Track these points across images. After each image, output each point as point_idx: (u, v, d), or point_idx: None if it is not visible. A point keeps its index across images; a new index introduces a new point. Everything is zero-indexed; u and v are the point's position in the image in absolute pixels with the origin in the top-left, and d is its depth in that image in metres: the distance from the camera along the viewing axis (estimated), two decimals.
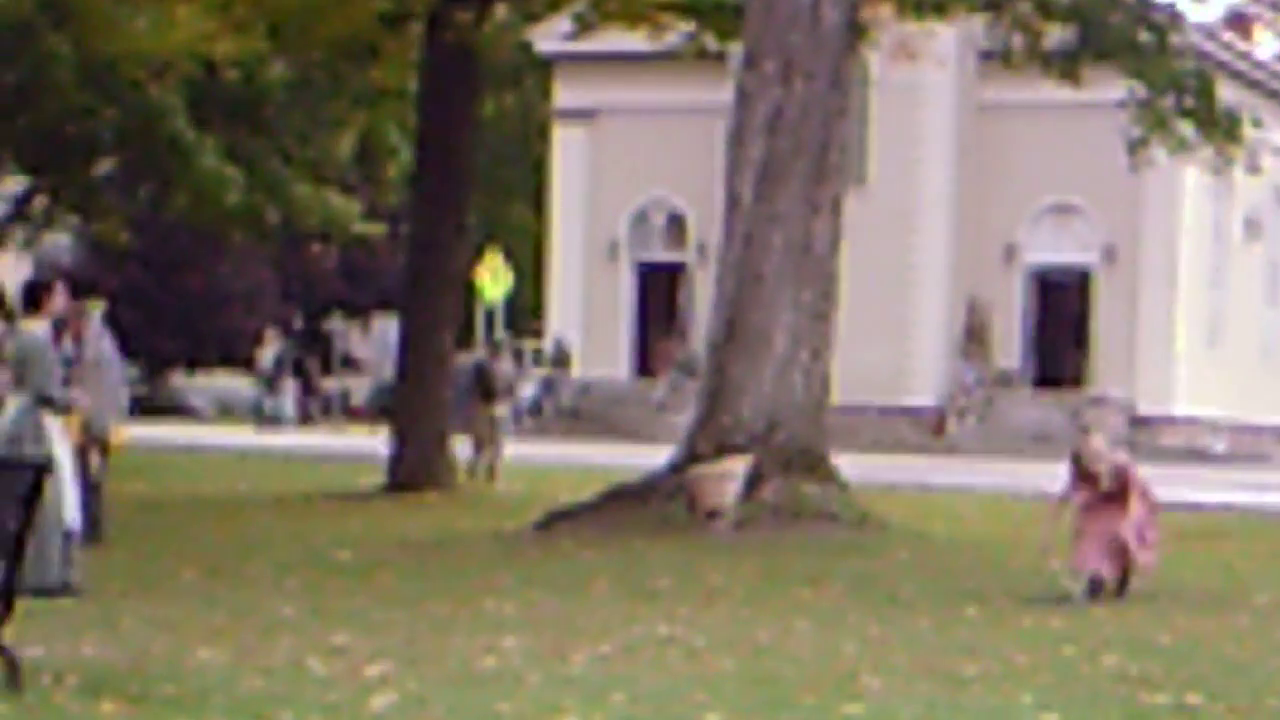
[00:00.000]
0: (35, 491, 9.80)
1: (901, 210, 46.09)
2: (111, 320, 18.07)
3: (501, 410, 28.46)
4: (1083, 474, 14.66)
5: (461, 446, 26.81)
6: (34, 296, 13.48)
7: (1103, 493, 14.61)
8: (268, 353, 48.15)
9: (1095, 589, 14.51)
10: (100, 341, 17.23)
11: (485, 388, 28.00)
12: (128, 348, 19.43)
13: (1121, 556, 14.55)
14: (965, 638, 12.48)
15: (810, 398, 19.51)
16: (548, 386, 48.17)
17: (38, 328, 13.45)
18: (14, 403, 13.21)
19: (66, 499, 12.45)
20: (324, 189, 28.98)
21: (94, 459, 16.71)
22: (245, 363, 49.99)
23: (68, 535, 12.77)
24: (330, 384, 53.67)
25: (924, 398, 46.36)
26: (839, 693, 10.05)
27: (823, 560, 16.86)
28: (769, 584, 15.25)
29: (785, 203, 19.58)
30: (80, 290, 17.17)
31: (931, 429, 45.51)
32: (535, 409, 46.93)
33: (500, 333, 37.24)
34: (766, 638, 12.27)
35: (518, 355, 30.17)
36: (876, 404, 44.36)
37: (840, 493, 19.52)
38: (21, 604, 9.95)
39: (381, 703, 9.45)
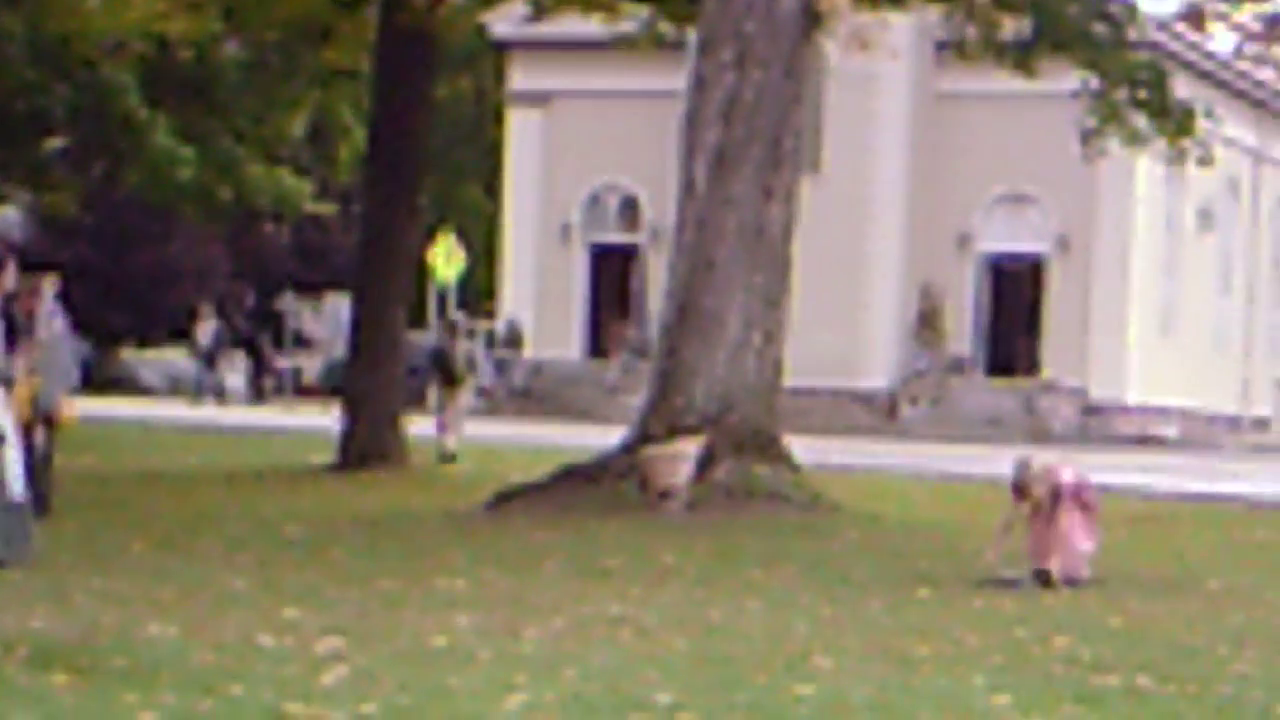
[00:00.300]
0: None
1: (856, 198, 46.15)
2: (63, 296, 17.96)
3: (465, 393, 28.14)
4: (1024, 491, 14.87)
5: (419, 427, 26.70)
6: None
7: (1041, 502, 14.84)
8: (205, 329, 47.95)
9: (1043, 579, 14.59)
10: (53, 319, 17.13)
11: (445, 370, 27.76)
12: (78, 323, 19.33)
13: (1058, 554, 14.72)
14: (917, 619, 12.44)
15: (763, 380, 19.51)
16: (499, 367, 48.09)
17: None
18: None
19: (12, 470, 12.35)
20: (276, 169, 28.80)
21: (40, 434, 16.61)
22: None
23: (15, 506, 12.67)
24: (282, 362, 53.48)
25: (877, 381, 46.44)
26: (791, 673, 10.00)
27: (775, 541, 16.81)
28: (721, 564, 15.21)
29: (739, 188, 19.57)
30: (30, 266, 17.06)
31: (884, 412, 45.60)
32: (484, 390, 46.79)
33: (454, 312, 37.04)
34: (718, 617, 12.21)
35: (470, 335, 29.95)
36: (829, 387, 44.45)
37: (792, 474, 19.51)
38: None
39: (332, 678, 9.38)
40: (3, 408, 13.24)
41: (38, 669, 9.26)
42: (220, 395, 47.29)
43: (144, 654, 9.89)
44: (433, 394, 28.18)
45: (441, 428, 27.40)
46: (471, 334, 29.39)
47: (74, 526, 16.44)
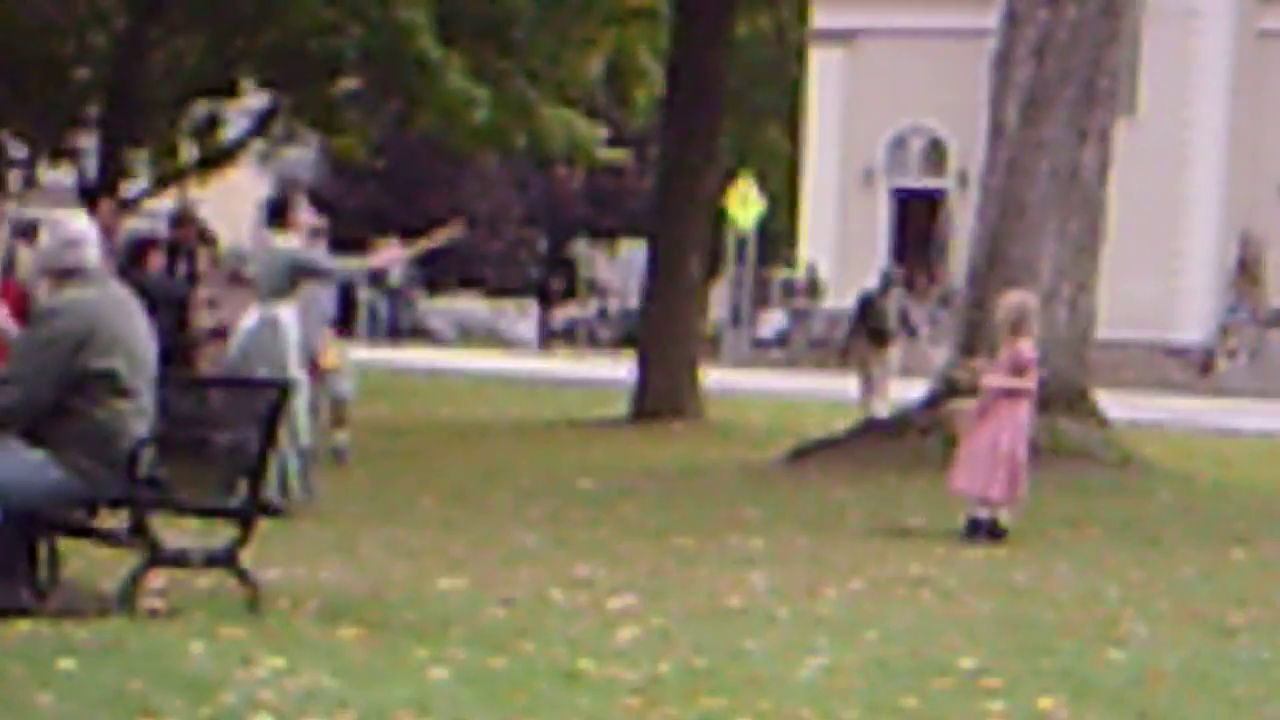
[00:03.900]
0: (277, 411, 9.58)
1: (1173, 140, 45.05)
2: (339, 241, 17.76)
3: (892, 353, 26.28)
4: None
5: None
6: (279, 212, 13.44)
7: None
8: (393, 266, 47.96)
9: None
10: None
11: (874, 327, 26.13)
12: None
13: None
14: (1232, 584, 12.06)
15: (1073, 332, 19.01)
16: (798, 317, 47.73)
17: (287, 243, 13.42)
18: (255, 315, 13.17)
19: (301, 418, 12.38)
20: (569, 113, 28.64)
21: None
22: (488, 287, 50.03)
23: (304, 453, 12.68)
24: (573, 310, 53.51)
25: (1192, 335, 45.32)
26: (1100, 638, 9.74)
27: (1082, 501, 16.40)
28: (1027, 524, 14.81)
29: (1052, 130, 19.10)
30: (321, 210, 17.02)
31: (1199, 368, 44.45)
32: (781, 340, 46.53)
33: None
34: (1024, 580, 11.93)
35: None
36: (1142, 340, 43.40)
37: (1102, 432, 18.98)
38: (259, 526, 9.80)
39: (626, 636, 9.26)
40: (296, 361, 13.32)
41: (328, 622, 9.21)
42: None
43: (434, 608, 9.83)
44: (856, 351, 26.56)
45: (868, 389, 25.88)
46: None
47: (364, 477, 16.54)
